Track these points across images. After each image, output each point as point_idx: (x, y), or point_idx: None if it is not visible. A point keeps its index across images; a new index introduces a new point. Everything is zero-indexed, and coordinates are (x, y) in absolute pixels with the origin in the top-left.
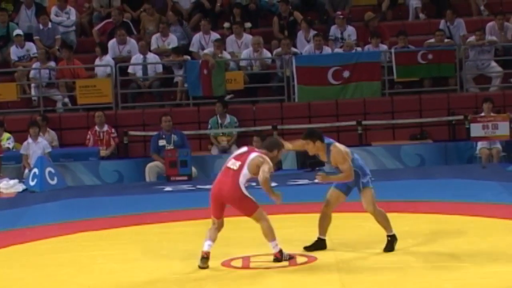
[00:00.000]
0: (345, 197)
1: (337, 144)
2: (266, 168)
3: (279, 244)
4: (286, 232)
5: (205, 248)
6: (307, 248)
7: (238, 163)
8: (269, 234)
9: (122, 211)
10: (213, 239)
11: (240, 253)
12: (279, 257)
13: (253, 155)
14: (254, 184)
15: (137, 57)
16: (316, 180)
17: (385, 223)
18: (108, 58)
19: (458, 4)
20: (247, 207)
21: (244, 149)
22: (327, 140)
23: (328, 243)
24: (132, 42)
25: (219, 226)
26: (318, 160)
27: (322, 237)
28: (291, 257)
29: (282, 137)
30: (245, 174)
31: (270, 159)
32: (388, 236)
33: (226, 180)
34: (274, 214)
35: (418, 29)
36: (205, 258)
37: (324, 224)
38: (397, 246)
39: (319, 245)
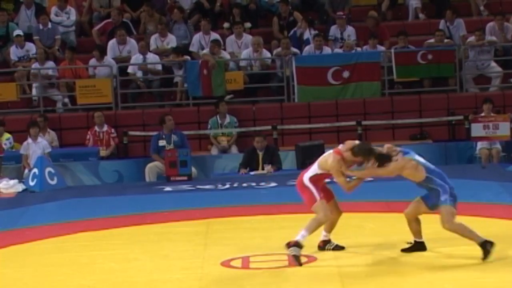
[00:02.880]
0: (425, 208)
1: (405, 157)
2: (330, 163)
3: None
4: (286, 232)
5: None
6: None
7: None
8: (310, 226)
9: (122, 211)
10: (327, 230)
11: (240, 253)
12: (290, 245)
13: (327, 152)
14: None
15: (137, 57)
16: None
17: (470, 236)
18: (109, 59)
19: (458, 4)
20: (306, 198)
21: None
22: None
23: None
24: (132, 42)
25: (333, 213)
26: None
27: (417, 239)
28: (299, 261)
29: (282, 137)
30: (314, 169)
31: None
32: (479, 245)
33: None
34: (274, 214)
35: (418, 29)
36: (320, 247)
37: (413, 228)
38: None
39: (417, 247)
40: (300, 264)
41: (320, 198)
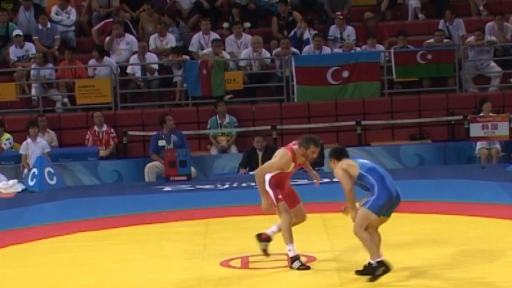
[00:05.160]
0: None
1: (342, 162)
2: (265, 164)
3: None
4: None
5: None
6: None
7: None
8: (285, 238)
9: (121, 211)
10: (279, 227)
11: (239, 253)
12: (290, 265)
13: (278, 150)
14: None
15: (136, 57)
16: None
17: (370, 250)
18: (109, 59)
19: (458, 4)
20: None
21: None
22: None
23: (327, 243)
24: (130, 37)
25: (296, 218)
26: (317, 160)
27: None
28: (302, 267)
29: (281, 137)
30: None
31: (302, 155)
32: (370, 264)
33: None
34: (273, 214)
35: (417, 29)
36: (260, 238)
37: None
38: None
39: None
40: (308, 267)
41: (277, 201)
